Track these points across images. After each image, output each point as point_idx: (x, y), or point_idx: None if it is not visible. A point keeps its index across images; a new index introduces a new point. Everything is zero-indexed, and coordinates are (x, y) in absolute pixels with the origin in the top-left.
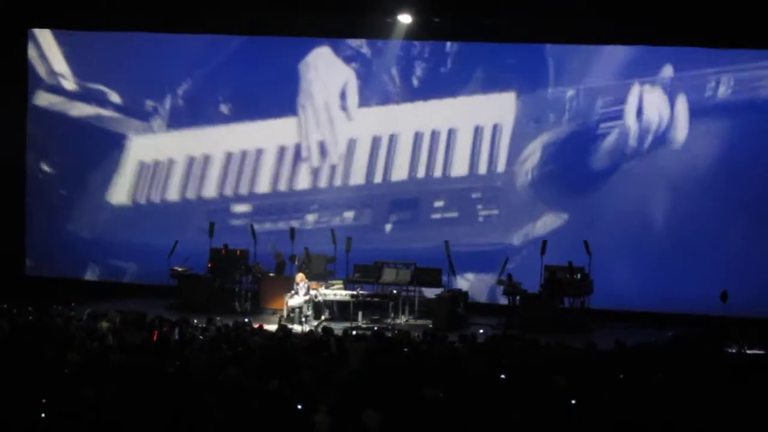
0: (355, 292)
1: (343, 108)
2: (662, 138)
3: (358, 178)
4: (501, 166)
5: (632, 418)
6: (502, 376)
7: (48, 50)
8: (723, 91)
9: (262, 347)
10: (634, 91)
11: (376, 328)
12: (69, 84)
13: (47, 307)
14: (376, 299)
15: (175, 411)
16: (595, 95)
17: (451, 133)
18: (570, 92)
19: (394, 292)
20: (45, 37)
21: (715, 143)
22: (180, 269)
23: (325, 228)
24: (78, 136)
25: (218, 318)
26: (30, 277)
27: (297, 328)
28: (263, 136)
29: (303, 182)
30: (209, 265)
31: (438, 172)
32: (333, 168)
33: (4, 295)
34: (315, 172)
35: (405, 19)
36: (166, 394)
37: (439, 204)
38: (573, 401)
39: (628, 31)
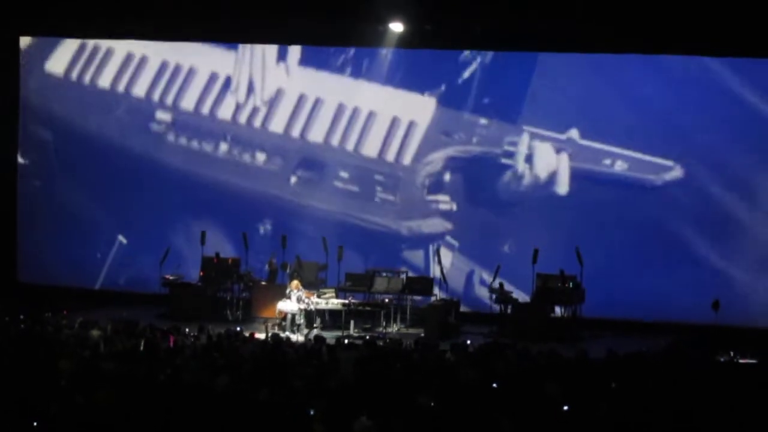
0: (346, 301)
1: (283, 60)
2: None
3: (277, 126)
4: (407, 160)
5: (624, 427)
6: (494, 384)
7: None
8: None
9: (253, 356)
10: (533, 141)
11: (367, 336)
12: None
13: (39, 315)
14: (367, 308)
15: (167, 419)
16: (503, 132)
17: (371, 115)
18: (483, 121)
19: (386, 300)
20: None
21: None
22: (171, 277)
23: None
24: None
25: (209, 326)
26: (22, 284)
27: (289, 336)
28: (202, 58)
29: (224, 113)
30: (201, 274)
31: (350, 146)
32: (255, 109)
33: None
34: (238, 107)
35: (397, 27)
36: (158, 402)
37: (344, 174)
38: (565, 407)
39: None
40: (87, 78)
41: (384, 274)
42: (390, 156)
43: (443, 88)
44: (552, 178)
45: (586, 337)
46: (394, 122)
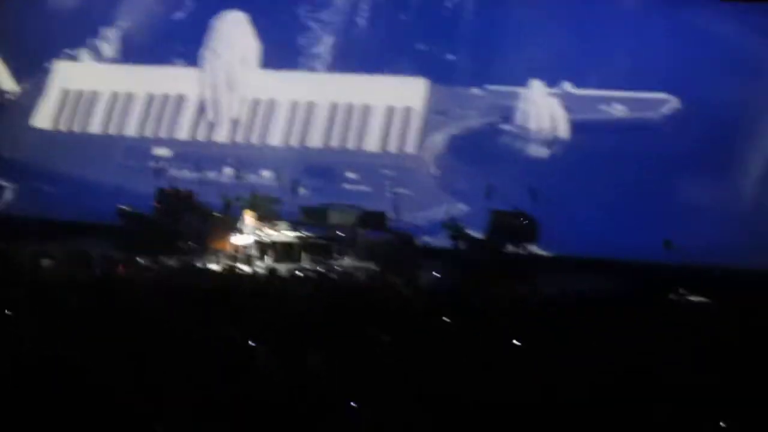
0: (300, 233)
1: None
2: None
3: (275, 139)
4: (410, 149)
5: (575, 365)
6: (445, 319)
7: None
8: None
9: (206, 288)
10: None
11: (321, 269)
12: None
13: None
14: (321, 241)
15: (123, 351)
16: (500, 97)
17: (365, 108)
18: (476, 91)
19: (340, 234)
20: None
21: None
22: (127, 208)
23: (245, 186)
24: None
25: (163, 258)
26: None
27: (242, 268)
28: (183, 82)
29: (220, 135)
30: (156, 204)
31: (351, 145)
32: (250, 125)
33: None
34: (233, 127)
35: None
36: (117, 333)
37: (351, 176)
38: (516, 342)
39: None
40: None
41: (338, 208)
42: (393, 148)
43: (427, 62)
44: (552, 132)
45: (538, 275)
46: (390, 111)
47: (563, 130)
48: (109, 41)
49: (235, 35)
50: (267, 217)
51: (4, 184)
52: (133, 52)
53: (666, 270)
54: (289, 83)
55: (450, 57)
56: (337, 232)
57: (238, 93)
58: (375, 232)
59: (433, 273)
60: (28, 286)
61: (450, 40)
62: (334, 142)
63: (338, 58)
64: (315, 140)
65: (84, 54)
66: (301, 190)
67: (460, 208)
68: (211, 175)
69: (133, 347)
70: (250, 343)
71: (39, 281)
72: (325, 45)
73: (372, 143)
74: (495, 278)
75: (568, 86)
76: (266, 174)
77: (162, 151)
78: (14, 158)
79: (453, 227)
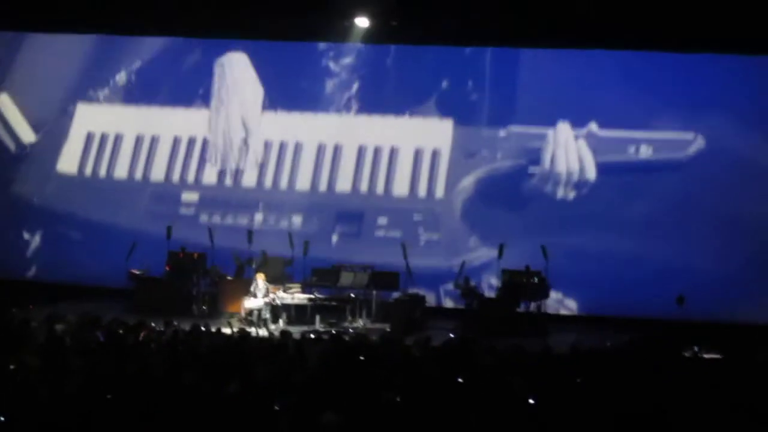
0: (312, 296)
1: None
2: (577, 185)
3: (303, 183)
4: (440, 193)
5: (588, 421)
6: (459, 379)
7: None
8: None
9: (219, 350)
10: (558, 137)
11: (333, 331)
12: None
13: (4, 310)
14: (333, 303)
15: (133, 414)
16: (524, 138)
17: (393, 151)
18: (502, 133)
19: (352, 295)
20: None
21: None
22: (138, 272)
23: (277, 231)
24: None
25: (175, 321)
26: None
27: (255, 331)
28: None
29: (249, 179)
30: (167, 268)
31: (380, 189)
32: (279, 169)
33: None
34: (261, 170)
35: (362, 22)
36: (124, 396)
37: (382, 221)
38: (531, 401)
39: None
40: (102, 171)
41: (350, 269)
42: (422, 191)
43: (454, 105)
44: (580, 173)
45: (550, 332)
46: (418, 154)
47: (590, 171)
48: (125, 84)
49: (251, 79)
50: (279, 278)
51: (27, 236)
52: (151, 94)
53: (678, 326)
54: (314, 126)
55: (474, 98)
56: (350, 294)
57: (262, 136)
58: (387, 292)
59: (450, 335)
60: (42, 351)
61: (475, 82)
62: (363, 186)
63: (363, 101)
64: (343, 185)
65: (103, 96)
66: (334, 238)
67: (487, 253)
68: (243, 221)
69: (146, 409)
70: (266, 404)
71: (52, 345)
72: (349, 88)
73: (400, 187)
74: (506, 336)
75: (594, 127)
76: (297, 219)
77: (190, 197)
78: (40, 205)
79: (464, 286)
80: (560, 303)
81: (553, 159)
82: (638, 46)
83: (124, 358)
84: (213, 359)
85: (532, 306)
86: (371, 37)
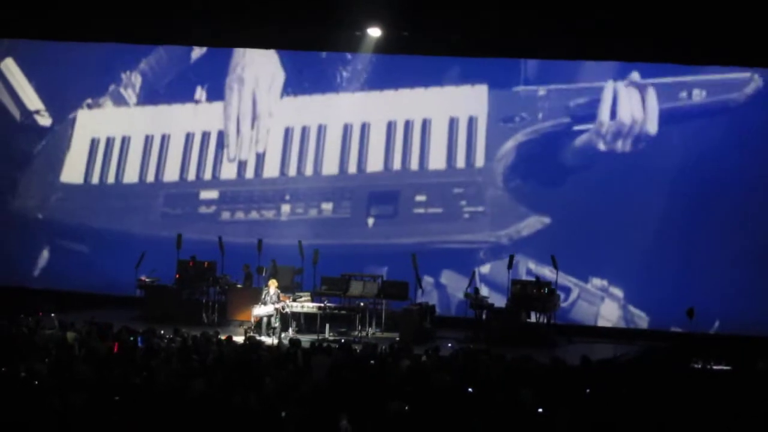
0: (322, 305)
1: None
2: (636, 138)
3: (330, 168)
4: (479, 161)
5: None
6: (469, 389)
7: None
8: (695, 96)
9: (228, 359)
10: (607, 91)
11: (343, 340)
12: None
13: (14, 317)
14: (343, 312)
15: (141, 422)
16: (566, 96)
17: (425, 123)
18: (541, 91)
19: (361, 304)
20: None
21: (686, 145)
22: (147, 280)
23: (304, 221)
24: None
25: (185, 330)
26: None
27: (265, 340)
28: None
29: (271, 170)
30: (177, 277)
31: (414, 164)
32: (302, 155)
33: None
34: (283, 159)
35: (374, 32)
36: (132, 405)
37: (420, 198)
38: (539, 411)
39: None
40: (110, 177)
41: (359, 278)
42: (460, 162)
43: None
44: (639, 123)
45: (560, 344)
46: (453, 123)
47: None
48: (128, 86)
49: (266, 64)
50: (289, 287)
51: (36, 246)
52: (157, 92)
53: (688, 339)
54: (338, 106)
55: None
56: (360, 303)
57: (282, 123)
58: (397, 302)
59: (449, 345)
60: (53, 359)
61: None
62: (395, 163)
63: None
64: (374, 164)
65: (104, 101)
66: (370, 221)
67: (543, 220)
68: (269, 214)
69: (154, 417)
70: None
71: (62, 354)
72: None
73: (436, 160)
74: (515, 347)
75: (635, 76)
76: (327, 206)
77: (209, 194)
78: (45, 218)
79: (474, 297)
80: (605, 291)
81: (610, 112)
82: None
83: (134, 367)
84: (222, 368)
85: (542, 317)
86: (383, 46)
